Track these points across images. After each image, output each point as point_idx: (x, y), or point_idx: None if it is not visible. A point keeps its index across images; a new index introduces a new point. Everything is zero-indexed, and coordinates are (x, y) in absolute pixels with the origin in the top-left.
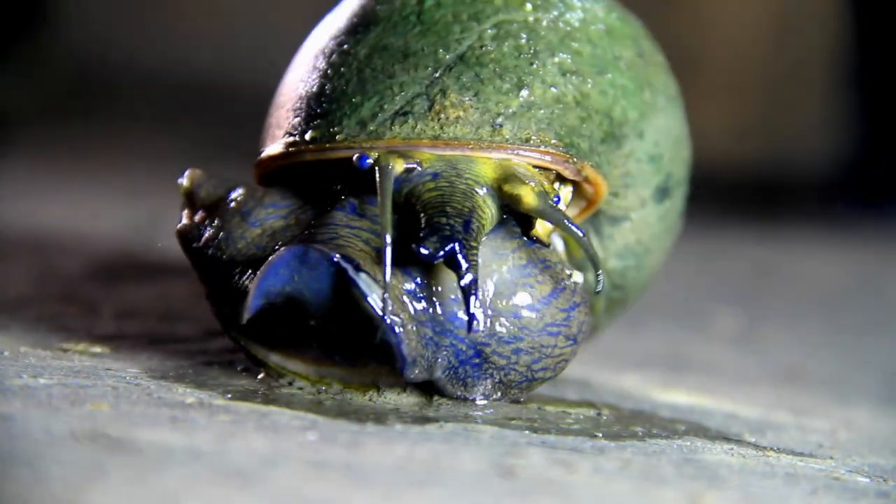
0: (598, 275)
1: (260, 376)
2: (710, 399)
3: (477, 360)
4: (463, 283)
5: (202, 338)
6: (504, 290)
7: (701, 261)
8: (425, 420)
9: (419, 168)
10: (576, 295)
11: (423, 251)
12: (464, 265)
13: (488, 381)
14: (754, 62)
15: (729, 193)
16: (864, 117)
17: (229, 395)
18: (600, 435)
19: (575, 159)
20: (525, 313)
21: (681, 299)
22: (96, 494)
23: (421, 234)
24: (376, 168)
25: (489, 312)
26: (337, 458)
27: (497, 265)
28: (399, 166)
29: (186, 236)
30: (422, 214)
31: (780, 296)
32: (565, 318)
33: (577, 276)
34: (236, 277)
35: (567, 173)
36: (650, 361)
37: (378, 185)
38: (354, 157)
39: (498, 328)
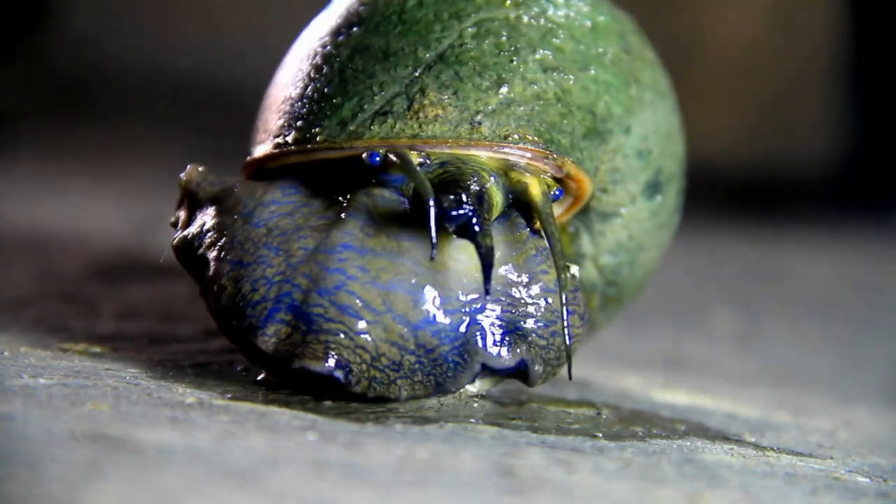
0: (562, 278)
1: (260, 376)
2: (710, 399)
3: (520, 333)
4: (482, 250)
5: (202, 338)
6: (526, 280)
7: (701, 260)
8: (425, 420)
9: (428, 161)
10: (575, 280)
11: (439, 208)
12: (478, 230)
13: (536, 363)
14: (754, 62)
15: (728, 193)
16: (864, 117)
17: (229, 395)
18: (600, 435)
19: (555, 155)
20: (551, 298)
21: (681, 299)
22: (96, 494)
23: (437, 197)
24: (395, 158)
25: (517, 300)
26: (337, 458)
27: (514, 259)
28: (414, 158)
29: (184, 249)
30: (434, 190)
31: (780, 295)
32: (574, 299)
33: (574, 269)
34: (244, 280)
35: (548, 170)
36: (650, 361)
37: (407, 170)
38: (364, 156)
39: (534, 311)
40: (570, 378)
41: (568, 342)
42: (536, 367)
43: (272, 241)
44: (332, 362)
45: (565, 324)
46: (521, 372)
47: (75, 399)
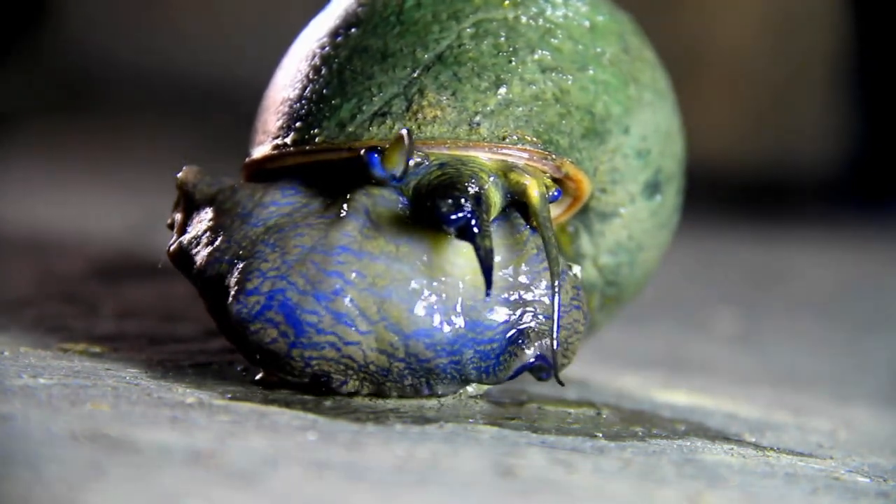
0: (556, 285)
1: (259, 376)
2: (710, 399)
3: (520, 340)
4: (480, 252)
5: (202, 338)
6: (527, 282)
7: (700, 260)
8: (425, 420)
9: (426, 162)
10: (577, 279)
11: (438, 212)
12: (477, 232)
13: (534, 344)
14: (754, 62)
15: (728, 193)
16: (865, 117)
17: (229, 395)
18: (600, 435)
19: (553, 156)
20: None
21: (681, 299)
22: (96, 494)
23: (435, 200)
24: (403, 132)
25: (519, 301)
26: (337, 458)
27: (515, 262)
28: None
29: (181, 254)
30: (432, 193)
31: (780, 295)
32: (576, 294)
33: (576, 268)
34: (239, 272)
35: (547, 170)
36: (650, 361)
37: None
38: (362, 152)
39: (536, 308)
40: (562, 384)
41: (556, 346)
42: (544, 341)
43: (269, 237)
44: (307, 375)
45: (555, 329)
46: (536, 366)
47: (75, 399)
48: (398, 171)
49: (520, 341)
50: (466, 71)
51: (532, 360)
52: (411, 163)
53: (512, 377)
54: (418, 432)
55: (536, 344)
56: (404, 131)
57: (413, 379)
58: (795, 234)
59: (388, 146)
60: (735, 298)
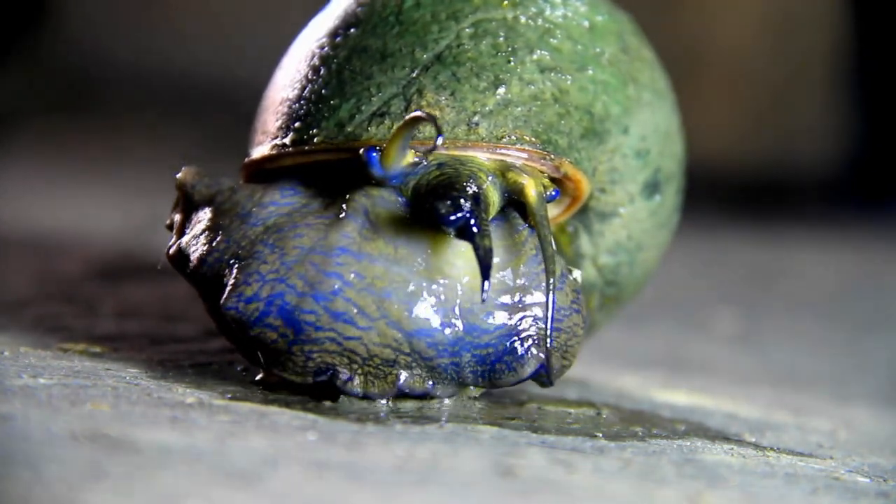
0: (551, 282)
1: (259, 376)
2: (710, 399)
3: (519, 350)
4: (480, 252)
5: (202, 338)
6: (526, 283)
7: (701, 261)
8: (425, 420)
9: (424, 162)
10: (576, 282)
11: (437, 212)
12: (476, 231)
13: (534, 355)
14: (754, 62)
15: (728, 193)
16: (865, 117)
17: (229, 395)
18: (600, 435)
19: (552, 156)
20: (552, 296)
21: (681, 299)
22: (96, 494)
23: (434, 202)
24: (418, 113)
25: (518, 305)
26: (337, 458)
27: (513, 263)
28: (409, 156)
29: (180, 256)
30: (430, 194)
31: (780, 296)
32: (576, 298)
33: (576, 273)
34: (239, 273)
35: (545, 170)
36: (650, 361)
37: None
38: (361, 151)
39: (535, 311)
40: (552, 384)
41: (550, 344)
42: (550, 358)
43: (269, 238)
44: (310, 371)
45: (549, 328)
46: (537, 375)
47: (75, 399)
48: (438, 141)
49: (519, 352)
50: (465, 71)
51: (532, 370)
52: (412, 161)
53: (513, 385)
54: (418, 432)
55: (536, 354)
56: (419, 113)
57: (421, 371)
58: (795, 234)
59: (385, 144)
60: (735, 298)
